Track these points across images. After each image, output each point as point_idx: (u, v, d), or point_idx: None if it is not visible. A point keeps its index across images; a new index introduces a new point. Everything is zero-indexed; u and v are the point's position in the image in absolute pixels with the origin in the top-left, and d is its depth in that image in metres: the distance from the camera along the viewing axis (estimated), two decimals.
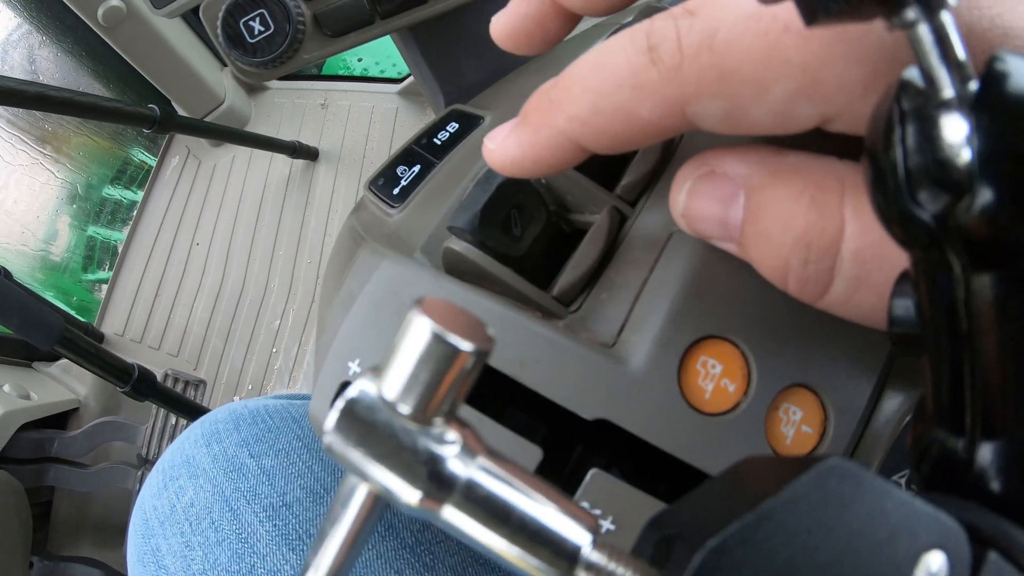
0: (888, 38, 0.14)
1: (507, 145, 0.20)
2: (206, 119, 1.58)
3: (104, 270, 1.62)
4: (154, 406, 1.27)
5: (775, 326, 0.21)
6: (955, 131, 0.11)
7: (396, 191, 0.30)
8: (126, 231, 1.63)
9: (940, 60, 0.11)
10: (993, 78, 0.11)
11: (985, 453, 0.12)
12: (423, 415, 0.12)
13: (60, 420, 1.38)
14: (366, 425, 0.12)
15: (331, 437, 0.12)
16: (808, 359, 0.21)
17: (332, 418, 0.12)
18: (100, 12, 1.27)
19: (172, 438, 1.26)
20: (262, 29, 0.35)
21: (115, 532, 1.36)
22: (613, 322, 0.22)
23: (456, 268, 0.24)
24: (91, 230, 1.62)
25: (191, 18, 1.49)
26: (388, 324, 0.23)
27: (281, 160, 1.59)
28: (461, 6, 0.38)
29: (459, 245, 0.23)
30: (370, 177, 0.32)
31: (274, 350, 1.45)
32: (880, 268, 0.16)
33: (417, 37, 0.41)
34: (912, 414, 0.21)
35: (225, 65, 1.65)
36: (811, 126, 0.16)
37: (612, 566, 0.12)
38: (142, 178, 1.69)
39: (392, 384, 0.12)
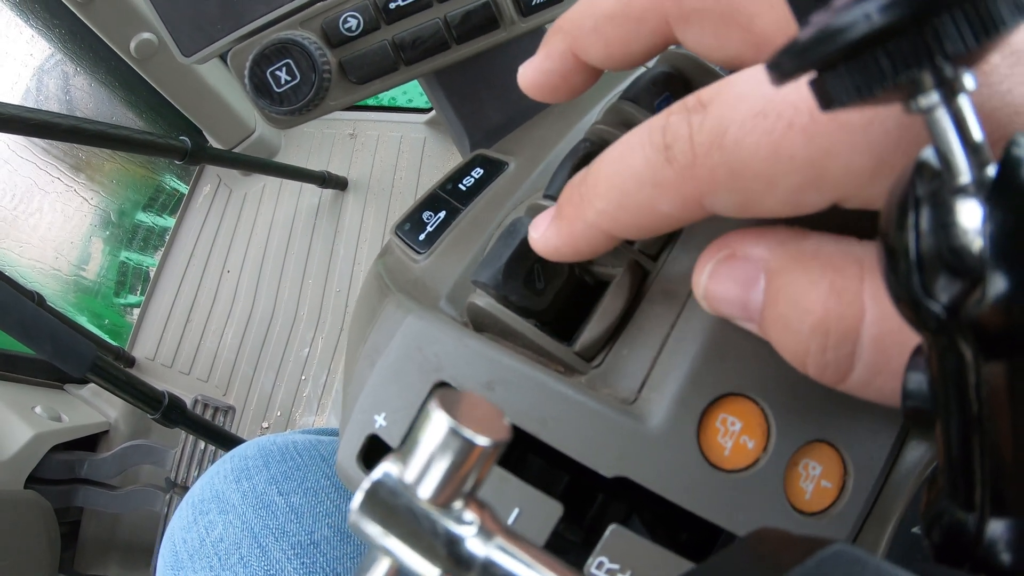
0: (893, 126, 0.14)
1: (548, 235, 0.21)
2: (237, 148, 1.62)
3: (136, 294, 1.65)
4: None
5: (794, 383, 0.21)
6: (970, 217, 0.11)
7: (422, 237, 0.31)
8: (157, 256, 1.66)
9: (958, 144, 0.11)
10: (1011, 163, 0.11)
11: (995, 529, 0.12)
12: (442, 499, 0.13)
13: (90, 442, 1.40)
14: (389, 507, 0.12)
15: (356, 516, 0.12)
16: (827, 415, 0.21)
17: (357, 499, 0.13)
18: (133, 45, 1.31)
19: (201, 463, 1.28)
20: (288, 79, 0.36)
21: (142, 553, 1.38)
22: (634, 378, 0.22)
23: (479, 321, 0.25)
24: (123, 255, 1.65)
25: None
26: (412, 379, 0.24)
27: (310, 189, 1.61)
28: (484, 51, 0.38)
29: (483, 300, 0.24)
30: (396, 222, 0.32)
31: (303, 377, 1.47)
32: (901, 354, 0.16)
33: (442, 81, 0.42)
34: (925, 479, 0.21)
35: None
36: (823, 208, 0.16)
37: None
38: (174, 205, 1.72)
39: (413, 470, 0.13)
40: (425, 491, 0.13)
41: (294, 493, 0.39)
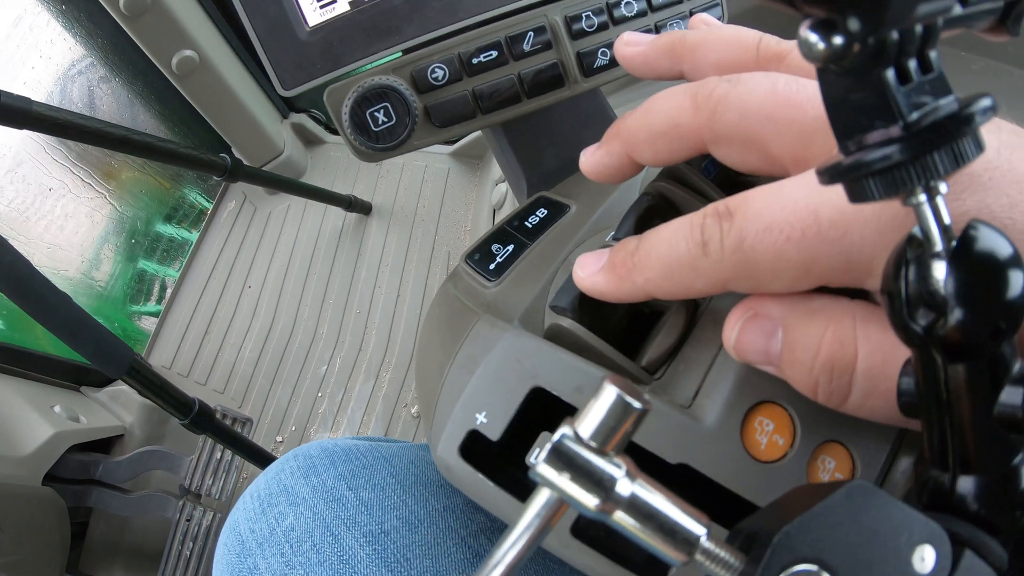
0: (858, 238, 0.21)
1: (597, 280, 0.27)
2: (264, 168, 1.66)
3: (151, 303, 1.68)
4: (200, 439, 1.31)
5: None
6: (940, 273, 0.17)
7: (492, 266, 0.35)
8: (175, 267, 1.69)
9: (935, 226, 0.17)
10: (965, 240, 0.17)
11: (963, 484, 0.18)
12: (605, 449, 0.18)
13: (104, 445, 1.42)
14: (569, 455, 0.18)
15: (541, 465, 0.18)
16: (841, 421, 0.26)
17: (544, 451, 0.18)
18: (174, 61, 1.36)
19: (217, 472, 1.29)
20: (385, 120, 0.41)
21: (148, 558, 1.38)
22: (689, 388, 0.28)
23: (557, 338, 0.30)
24: (141, 263, 1.68)
25: (256, 71, 1.57)
26: (512, 384, 0.29)
27: (334, 212, 1.65)
28: (547, 106, 0.44)
29: (567, 322, 0.29)
30: (466, 251, 0.36)
31: (319, 395, 1.50)
32: (885, 380, 0.22)
33: (506, 129, 0.48)
34: (915, 461, 0.26)
35: (286, 117, 1.75)
36: (811, 289, 0.23)
37: (718, 550, 0.18)
38: (194, 218, 1.76)
39: (587, 428, 0.18)
40: (594, 443, 0.18)
41: (362, 488, 0.41)
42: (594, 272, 0.28)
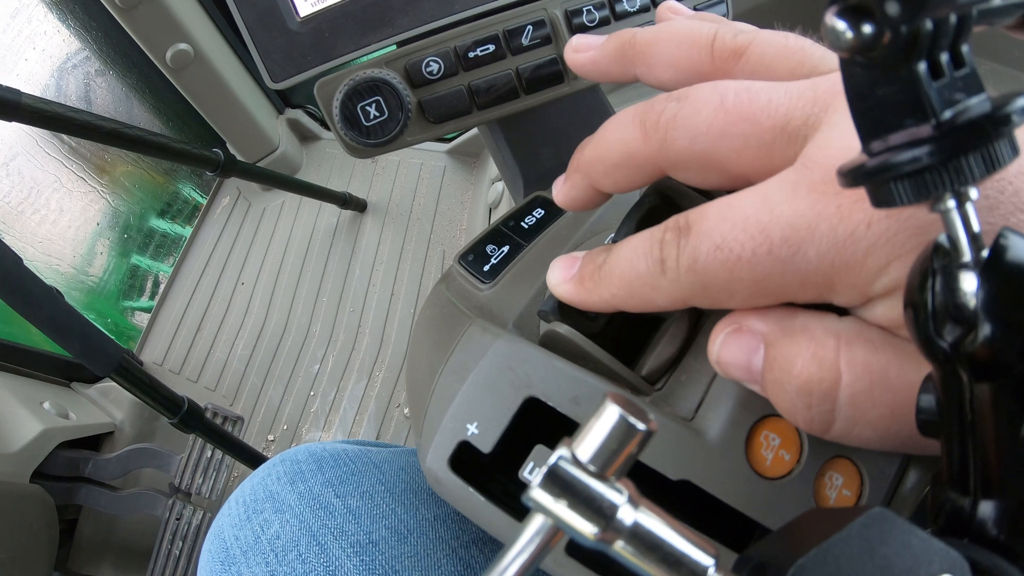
0: (814, 256, 0.20)
1: (567, 288, 0.27)
2: (259, 163, 1.64)
3: (144, 299, 1.67)
4: (190, 437, 1.30)
5: None
6: (969, 285, 0.15)
7: (486, 268, 0.34)
8: (168, 262, 1.68)
9: (963, 234, 0.16)
10: (997, 249, 0.15)
11: (984, 509, 0.17)
12: (605, 474, 0.17)
13: (93, 442, 1.41)
14: (566, 480, 0.16)
15: (536, 490, 0.16)
16: None
17: (539, 475, 0.16)
18: (169, 54, 1.35)
19: (207, 470, 1.29)
20: (377, 114, 0.40)
21: (137, 556, 1.37)
22: (691, 400, 0.27)
23: (553, 345, 0.28)
24: (134, 258, 1.67)
25: (252, 66, 1.55)
26: (504, 393, 0.27)
27: (329, 209, 1.64)
28: (545, 102, 0.43)
29: (563, 329, 0.27)
30: (460, 252, 0.35)
31: (311, 393, 1.49)
32: (874, 407, 0.21)
33: (503, 127, 0.46)
34: (931, 482, 0.25)
35: (281, 112, 1.74)
36: (771, 305, 0.23)
37: None
38: (189, 213, 1.75)
39: (586, 450, 0.17)
40: (594, 466, 0.16)
41: (350, 496, 0.40)
42: (565, 280, 0.27)
